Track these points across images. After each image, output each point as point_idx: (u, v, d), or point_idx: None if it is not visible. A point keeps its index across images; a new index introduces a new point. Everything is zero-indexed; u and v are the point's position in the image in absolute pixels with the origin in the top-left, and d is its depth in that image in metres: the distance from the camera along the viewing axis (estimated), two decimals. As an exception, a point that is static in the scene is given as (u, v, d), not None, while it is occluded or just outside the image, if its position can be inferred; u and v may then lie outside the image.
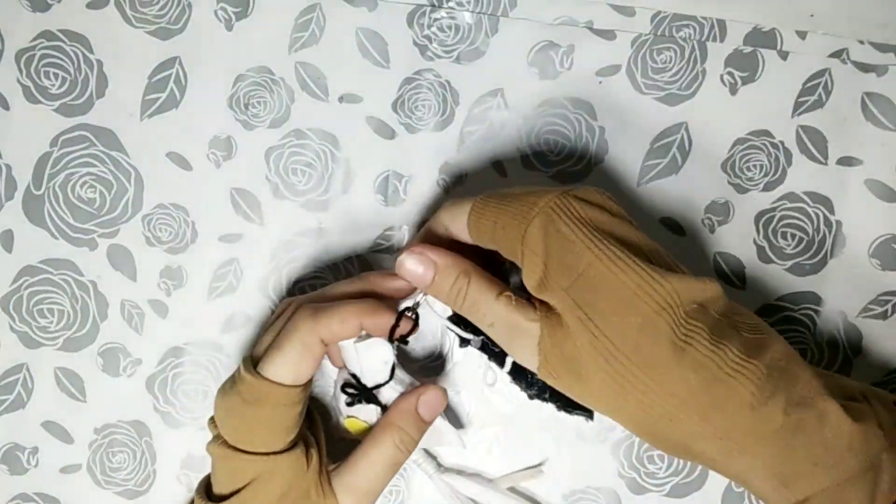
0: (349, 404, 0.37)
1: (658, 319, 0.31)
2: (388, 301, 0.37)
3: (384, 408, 0.37)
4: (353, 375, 0.37)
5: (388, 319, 0.36)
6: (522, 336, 0.33)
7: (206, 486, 0.38)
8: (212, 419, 0.37)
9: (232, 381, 0.36)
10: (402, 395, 0.37)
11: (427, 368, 0.43)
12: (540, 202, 0.33)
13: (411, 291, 0.37)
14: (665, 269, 0.32)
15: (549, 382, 0.34)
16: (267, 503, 0.35)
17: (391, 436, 0.36)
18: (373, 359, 0.37)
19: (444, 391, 0.38)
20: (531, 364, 0.34)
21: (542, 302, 0.33)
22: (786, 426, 0.30)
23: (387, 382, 0.37)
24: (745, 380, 0.30)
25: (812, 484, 0.31)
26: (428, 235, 0.38)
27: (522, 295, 0.35)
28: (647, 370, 0.31)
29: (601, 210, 0.33)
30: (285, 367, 0.35)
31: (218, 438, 0.36)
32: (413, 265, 0.35)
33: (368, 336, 0.36)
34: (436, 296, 0.36)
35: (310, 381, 0.37)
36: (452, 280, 0.34)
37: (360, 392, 0.37)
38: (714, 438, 0.31)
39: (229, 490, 0.36)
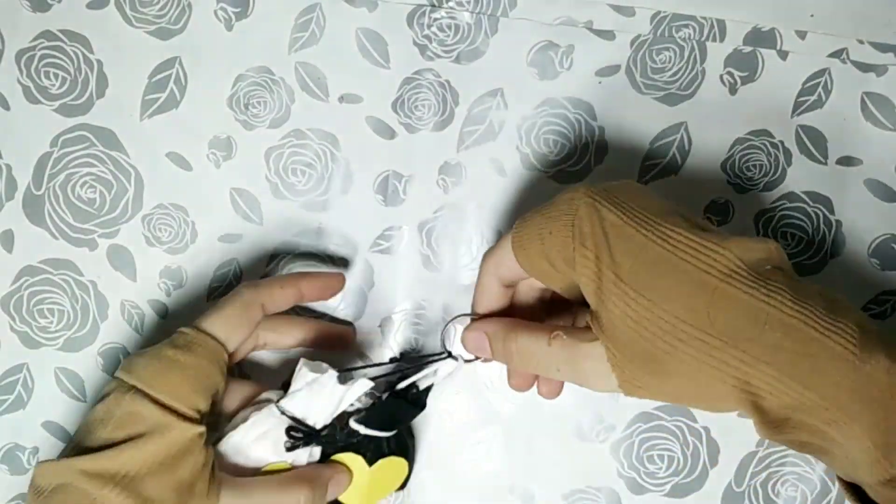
0: (289, 448, 0.36)
1: (728, 288, 0.29)
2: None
3: (324, 453, 0.37)
4: (294, 419, 0.36)
5: (325, 282, 0.37)
6: (588, 361, 0.31)
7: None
8: (115, 375, 0.35)
9: (169, 337, 0.36)
10: (319, 464, 0.37)
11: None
12: (577, 195, 0.32)
13: (338, 290, 0.39)
14: (720, 236, 0.30)
15: (637, 396, 0.31)
16: (148, 460, 0.32)
17: (301, 491, 0.35)
18: (350, 397, 0.36)
19: (349, 479, 0.37)
20: (610, 386, 0.31)
21: (594, 317, 0.31)
22: (891, 387, 0.28)
23: (358, 410, 0.37)
24: (840, 338, 0.28)
25: None
26: (481, 295, 0.37)
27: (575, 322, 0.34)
28: (733, 342, 0.28)
29: (636, 192, 0.32)
30: (220, 320, 0.36)
31: (123, 385, 0.34)
32: (472, 345, 0.36)
33: (351, 378, 0.37)
34: (500, 361, 0.36)
35: (234, 359, 0.38)
36: (502, 343, 0.34)
37: (305, 436, 0.36)
38: (818, 408, 0.29)
39: (120, 436, 0.33)
